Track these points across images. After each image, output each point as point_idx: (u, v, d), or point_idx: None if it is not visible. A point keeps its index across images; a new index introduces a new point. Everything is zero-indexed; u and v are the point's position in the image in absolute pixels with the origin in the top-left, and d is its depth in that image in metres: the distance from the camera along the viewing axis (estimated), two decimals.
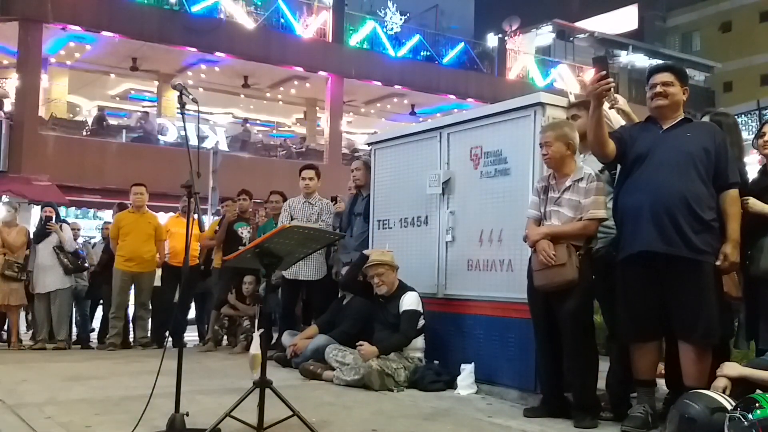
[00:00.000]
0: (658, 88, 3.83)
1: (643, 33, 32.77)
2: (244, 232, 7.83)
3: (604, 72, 3.79)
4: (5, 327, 8.24)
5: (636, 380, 3.92)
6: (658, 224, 3.65)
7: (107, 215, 13.73)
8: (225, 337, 7.93)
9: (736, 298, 3.93)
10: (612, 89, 3.85)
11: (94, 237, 11.53)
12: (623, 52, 29.11)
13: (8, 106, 16.54)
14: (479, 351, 5.07)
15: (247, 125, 21.36)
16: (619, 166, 4.15)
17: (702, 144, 3.75)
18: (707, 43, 34.50)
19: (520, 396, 4.63)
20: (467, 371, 4.93)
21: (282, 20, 19.43)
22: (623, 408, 3.99)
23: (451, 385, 4.99)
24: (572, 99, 4.95)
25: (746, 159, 4.40)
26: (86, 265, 8.32)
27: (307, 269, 6.59)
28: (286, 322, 6.81)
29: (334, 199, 7.24)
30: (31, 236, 8.06)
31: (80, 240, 9.40)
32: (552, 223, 4.05)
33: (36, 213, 11.85)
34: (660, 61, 28.68)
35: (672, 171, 3.70)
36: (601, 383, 4.25)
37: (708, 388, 3.42)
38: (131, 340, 8.09)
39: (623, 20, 32.22)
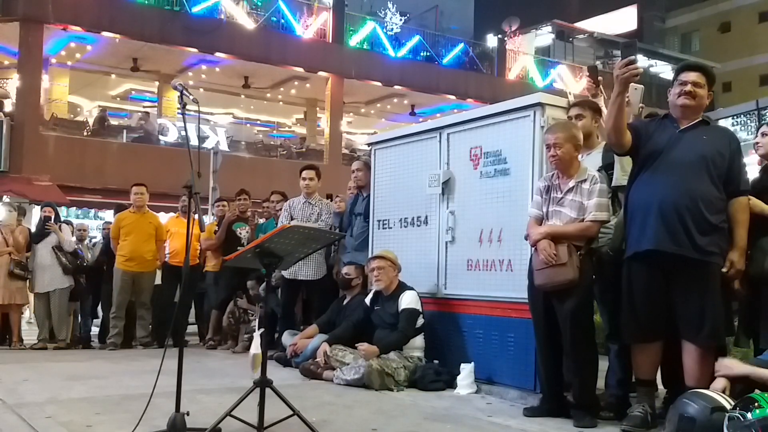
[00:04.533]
0: (689, 87, 3.78)
1: (642, 33, 32.77)
2: (242, 232, 7.86)
3: (633, 57, 3.77)
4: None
5: (637, 380, 3.94)
6: (667, 223, 3.65)
7: (108, 215, 13.74)
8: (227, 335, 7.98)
9: (740, 290, 3.91)
10: (638, 76, 3.76)
11: (95, 237, 11.54)
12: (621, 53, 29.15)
13: (9, 106, 16.55)
14: (479, 350, 5.08)
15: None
16: (617, 167, 4.17)
17: (717, 148, 3.75)
18: (706, 43, 34.50)
19: (520, 395, 4.63)
20: (467, 371, 4.93)
21: (282, 21, 19.44)
22: (623, 407, 4.01)
23: (451, 384, 5.00)
24: (572, 99, 4.96)
25: (746, 159, 4.42)
26: (85, 264, 8.33)
27: (306, 269, 6.61)
28: (286, 322, 6.82)
29: (329, 197, 7.27)
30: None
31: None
32: (553, 223, 4.07)
33: (36, 213, 11.86)
34: (659, 62, 28.81)
35: (685, 171, 3.69)
36: (601, 383, 4.26)
37: (708, 388, 3.42)
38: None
39: (622, 21, 32.21)
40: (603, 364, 4.27)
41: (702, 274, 3.65)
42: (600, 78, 5.21)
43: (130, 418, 3.55)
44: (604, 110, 4.63)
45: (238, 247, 7.56)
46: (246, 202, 8.13)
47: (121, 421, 3.68)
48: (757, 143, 4.37)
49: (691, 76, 3.81)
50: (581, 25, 29.91)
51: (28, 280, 7.90)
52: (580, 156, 4.27)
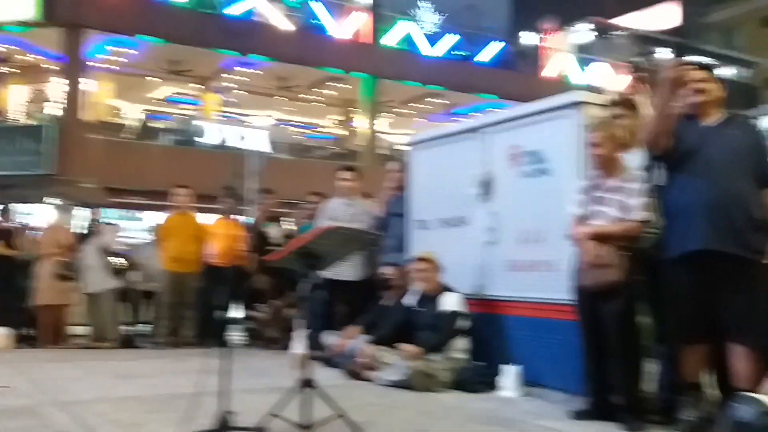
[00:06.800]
0: (695, 85, 3.78)
1: (683, 29, 32.15)
2: (272, 231, 7.89)
3: (686, 59, 3.76)
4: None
5: (685, 383, 3.86)
6: (713, 223, 3.60)
7: (151, 217, 13.96)
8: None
9: None
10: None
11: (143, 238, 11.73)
12: (663, 49, 28.61)
13: (51, 109, 16.96)
14: (522, 352, 5.03)
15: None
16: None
17: (749, 142, 3.73)
18: (749, 38, 33.68)
19: (565, 398, 4.57)
20: (511, 373, 4.90)
21: (318, 22, 19.54)
22: (670, 411, 3.93)
23: (494, 386, 4.97)
24: (612, 97, 4.89)
25: None
26: (132, 264, 8.48)
27: (347, 270, 6.60)
28: (327, 322, 6.84)
29: (366, 197, 7.28)
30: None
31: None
32: (597, 223, 4.02)
33: (82, 215, 12.11)
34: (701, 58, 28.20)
35: (724, 169, 3.65)
36: (651, 386, 4.19)
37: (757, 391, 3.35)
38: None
39: (663, 17, 31.65)
40: (653, 367, 4.20)
41: (749, 274, 3.60)
42: (645, 75, 5.12)
43: (178, 417, 3.60)
44: (646, 108, 4.55)
45: (267, 247, 7.66)
46: (271, 201, 8.17)
47: (170, 420, 3.74)
48: None
49: (695, 75, 3.81)
50: (620, 21, 29.46)
51: (76, 281, 8.06)
52: (623, 155, 4.22)
